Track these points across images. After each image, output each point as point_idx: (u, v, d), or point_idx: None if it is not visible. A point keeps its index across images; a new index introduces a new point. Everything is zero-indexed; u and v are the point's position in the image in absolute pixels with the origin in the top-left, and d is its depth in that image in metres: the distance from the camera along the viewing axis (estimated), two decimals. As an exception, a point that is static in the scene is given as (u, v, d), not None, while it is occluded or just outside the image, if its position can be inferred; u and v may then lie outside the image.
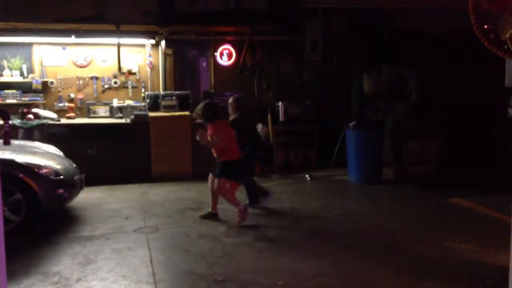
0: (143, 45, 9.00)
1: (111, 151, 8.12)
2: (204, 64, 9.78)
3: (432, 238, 5.35)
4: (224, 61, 9.39)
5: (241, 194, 6.60)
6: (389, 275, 4.44)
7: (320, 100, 9.39)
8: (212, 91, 9.52)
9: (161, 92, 8.93)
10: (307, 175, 8.58)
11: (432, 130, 8.00)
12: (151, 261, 4.73)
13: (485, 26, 2.71)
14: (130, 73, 9.07)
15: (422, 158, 8.07)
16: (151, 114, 8.44)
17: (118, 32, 8.64)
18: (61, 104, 8.78)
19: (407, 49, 8.56)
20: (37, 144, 6.86)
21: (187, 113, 8.56)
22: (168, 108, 8.61)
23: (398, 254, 4.95)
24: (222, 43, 9.35)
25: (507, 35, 2.61)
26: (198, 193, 7.51)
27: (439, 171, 8.12)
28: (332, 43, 9.56)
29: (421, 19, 8.18)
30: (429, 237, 5.39)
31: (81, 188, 6.30)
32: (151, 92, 8.89)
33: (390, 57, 8.87)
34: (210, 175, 6.24)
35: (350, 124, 8.28)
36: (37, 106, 8.53)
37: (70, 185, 5.94)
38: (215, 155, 6.15)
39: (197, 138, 5.97)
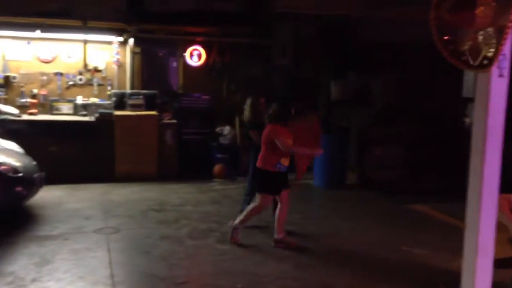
0: (110, 43, 8.85)
1: (73, 150, 7.94)
2: (174, 64, 9.70)
3: (391, 243, 5.45)
4: (193, 62, 9.33)
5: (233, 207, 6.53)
6: (347, 279, 4.50)
7: (288, 105, 9.42)
8: (181, 91, 9.44)
9: (128, 90, 8.80)
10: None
11: (395, 137, 8.16)
12: (110, 263, 4.65)
13: (445, 38, 2.77)
14: (96, 70, 8.90)
15: (385, 164, 8.21)
16: (117, 112, 8.31)
17: (84, 28, 8.48)
18: (23, 100, 8.53)
19: (373, 58, 8.70)
20: (-4, 140, 6.65)
21: (154, 112, 8.47)
22: (135, 107, 8.49)
23: (358, 258, 5.03)
24: (192, 43, 9.29)
25: (466, 47, 2.68)
26: (162, 194, 7.44)
27: (401, 177, 8.26)
28: (301, 49, 9.63)
29: (387, 30, 8.33)
30: (388, 242, 5.49)
31: (41, 186, 6.13)
32: (118, 91, 8.74)
33: (357, 65, 9.00)
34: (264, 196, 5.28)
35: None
36: (-3, 101, 8.28)
37: (29, 183, 5.78)
38: (286, 164, 5.24)
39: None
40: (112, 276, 4.34)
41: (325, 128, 8.31)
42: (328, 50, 9.50)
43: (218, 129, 9.18)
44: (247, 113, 5.97)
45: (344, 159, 8.34)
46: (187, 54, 9.27)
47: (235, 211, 6.63)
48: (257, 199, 5.30)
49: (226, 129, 9.19)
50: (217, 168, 8.76)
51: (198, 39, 9.29)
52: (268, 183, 5.21)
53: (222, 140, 9.08)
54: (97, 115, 8.24)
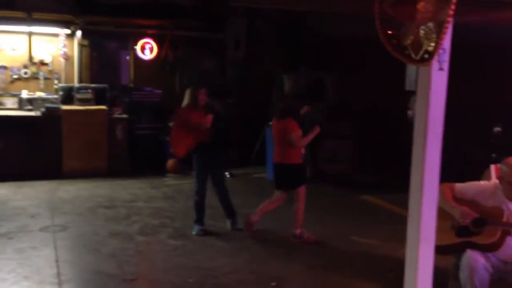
0: (57, 35, 8.54)
1: (19, 145, 7.62)
2: (124, 58, 9.48)
3: (342, 234, 5.56)
4: (145, 55, 9.16)
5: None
6: (300, 270, 4.57)
7: (242, 99, 9.44)
8: (132, 85, 9.25)
9: (76, 84, 8.53)
10: (227, 173, 8.58)
11: (347, 131, 8.33)
12: (56, 261, 4.51)
13: (389, 32, 2.82)
14: (42, 63, 8.58)
15: (336, 157, 8.37)
16: (64, 107, 8.04)
17: (29, 20, 8.14)
18: (-36, 94, 8.12)
19: (324, 53, 8.84)
20: None
21: (103, 107, 8.25)
22: (83, 101, 8.24)
23: (310, 249, 5.10)
24: (143, 36, 9.12)
25: (408, 41, 2.74)
26: (113, 190, 7.27)
27: (352, 170, 8.46)
28: (255, 43, 9.65)
29: (338, 25, 8.47)
30: (339, 233, 5.60)
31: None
32: (65, 84, 8.46)
33: (310, 59, 9.11)
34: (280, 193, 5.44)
35: (270, 123, 8.39)
36: None
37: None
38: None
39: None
40: (58, 274, 4.21)
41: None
42: (281, 44, 9.57)
43: (170, 124, 9.05)
44: (186, 101, 5.61)
45: (297, 153, 8.41)
46: (138, 47, 9.09)
47: (188, 206, 6.59)
48: (276, 195, 5.49)
49: (179, 124, 9.08)
50: (170, 163, 8.65)
51: (150, 32, 9.13)
52: (294, 177, 5.34)
53: (175, 135, 8.95)
54: (43, 109, 7.95)
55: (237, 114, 9.25)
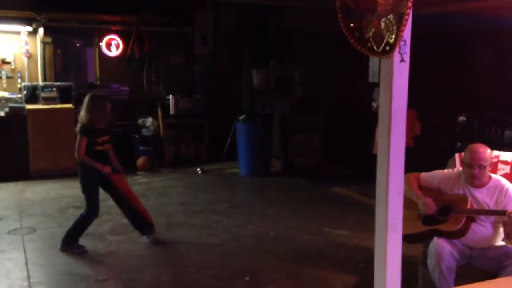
0: (18, 32, 8.31)
1: (-18, 147, 7.41)
2: (89, 55, 9.29)
3: (313, 226, 5.62)
4: (110, 52, 9.00)
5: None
6: (273, 264, 4.60)
7: (211, 94, 9.40)
8: (98, 83, 9.09)
9: (40, 83, 8.33)
10: (198, 169, 8.56)
11: (316, 124, 8.40)
12: (26, 264, 4.42)
13: (351, 25, 2.85)
14: (3, 62, 8.31)
15: (306, 151, 8.44)
16: (29, 106, 7.84)
17: (-11, 17, 7.90)
18: None
19: (293, 47, 8.88)
20: None
21: (69, 105, 8.08)
22: (48, 100, 8.05)
23: (282, 242, 5.14)
24: (108, 32, 8.95)
25: (370, 34, 2.77)
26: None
27: (322, 163, 8.55)
28: (222, 38, 9.60)
29: (305, 18, 8.52)
30: (311, 225, 5.66)
31: None
32: (29, 83, 8.24)
33: (278, 53, 9.13)
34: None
35: (240, 118, 8.41)
36: None
37: None
38: None
39: None
40: (28, 277, 4.13)
41: (248, 116, 8.42)
42: (249, 39, 9.55)
43: (140, 121, 8.96)
44: (82, 113, 4.80)
45: (268, 147, 8.46)
46: (103, 44, 8.93)
47: (160, 203, 6.56)
48: None
49: (149, 121, 8.99)
50: (140, 160, 8.56)
51: (115, 28, 8.96)
52: None
53: (145, 132, 8.87)
54: (7, 109, 7.74)
55: (207, 110, 9.22)
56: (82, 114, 4.78)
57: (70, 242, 4.76)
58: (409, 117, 5.66)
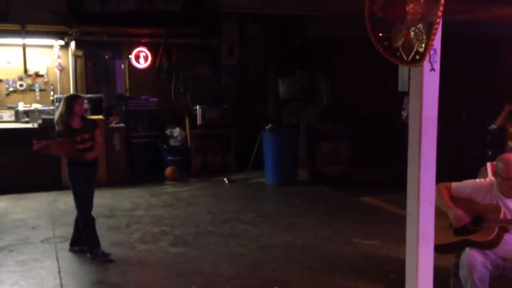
0: (51, 46, 8.57)
1: (17, 158, 7.61)
2: (119, 67, 9.50)
3: (342, 236, 5.58)
4: (139, 64, 9.19)
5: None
6: (301, 273, 4.58)
7: (238, 104, 9.49)
8: (127, 94, 9.27)
9: (72, 95, 8.54)
10: (225, 179, 8.62)
11: (343, 132, 8.37)
12: (59, 272, 4.52)
13: (380, 34, 2.86)
14: (37, 75, 8.60)
15: (334, 159, 8.41)
16: (61, 118, 8.04)
17: (23, 32, 8.16)
18: (-39, 109, 8.13)
19: (319, 55, 8.88)
20: None
21: (100, 117, 8.24)
22: (80, 112, 8.24)
23: (310, 252, 5.11)
24: (137, 45, 9.15)
25: (399, 43, 2.77)
26: (113, 199, 7.28)
27: (350, 171, 8.49)
28: (248, 48, 9.69)
29: (331, 26, 8.52)
30: (339, 235, 5.62)
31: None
32: (61, 95, 8.46)
33: (304, 62, 9.14)
34: None
35: (267, 127, 8.44)
36: None
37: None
38: None
39: None
40: (61, 285, 4.22)
41: (274, 126, 8.45)
42: (275, 48, 9.61)
43: (168, 131, 9.08)
44: (59, 110, 4.90)
45: (294, 156, 8.46)
46: (132, 56, 9.12)
47: (188, 213, 6.62)
48: None
49: (176, 131, 9.11)
50: (168, 170, 8.67)
51: (143, 40, 9.15)
52: None
53: (173, 142, 8.99)
54: (40, 121, 7.97)
55: (234, 120, 9.29)
56: (58, 112, 4.93)
57: (93, 248, 4.85)
58: None
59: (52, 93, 8.64)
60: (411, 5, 2.61)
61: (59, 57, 8.61)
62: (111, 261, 4.79)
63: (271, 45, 9.65)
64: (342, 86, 8.69)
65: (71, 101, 4.89)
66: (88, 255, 4.88)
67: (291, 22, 9.21)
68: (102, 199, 7.25)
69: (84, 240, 4.96)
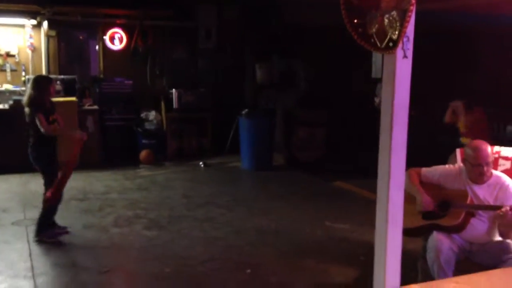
0: (23, 26, 8.34)
1: (-13, 139, 7.46)
2: (93, 48, 9.33)
3: (315, 220, 5.66)
4: (114, 46, 9.03)
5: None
6: (275, 257, 4.64)
7: (214, 88, 9.44)
8: (101, 76, 9.13)
9: (45, 76, 8.37)
10: (201, 163, 8.61)
11: (319, 119, 8.43)
12: (30, 255, 4.47)
13: (355, 21, 2.87)
14: (8, 55, 8.37)
15: (310, 145, 8.47)
16: (33, 99, 7.88)
17: (-6, 10, 7.94)
18: None
19: (297, 41, 8.87)
20: None
21: (73, 98, 8.12)
22: (52, 93, 8.08)
23: (284, 236, 5.18)
24: (112, 26, 8.98)
25: (374, 30, 2.79)
26: (86, 182, 7.20)
27: (325, 157, 8.58)
28: (225, 32, 9.62)
29: (309, 13, 8.50)
30: (313, 219, 5.70)
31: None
32: (33, 76, 8.28)
33: (281, 48, 9.14)
34: None
35: (243, 112, 8.44)
36: None
37: None
38: None
39: None
40: (32, 268, 4.18)
41: (251, 111, 8.46)
42: (253, 33, 9.56)
43: (143, 115, 8.99)
44: (30, 92, 4.87)
45: (271, 141, 8.49)
46: (107, 38, 8.95)
47: (163, 196, 6.61)
48: None
49: (152, 114, 9.03)
50: (143, 153, 8.61)
51: (119, 21, 8.99)
52: None
53: (148, 126, 8.91)
54: (11, 102, 7.79)
55: (210, 104, 9.25)
56: (30, 93, 4.85)
57: (41, 231, 4.82)
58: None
59: (23, 73, 8.44)
60: (385, -8, 2.63)
61: (31, 37, 8.39)
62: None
63: (248, 29, 9.60)
64: (319, 72, 8.72)
65: (46, 83, 4.92)
66: (39, 238, 4.80)
67: (269, 7, 9.17)
68: (74, 182, 7.11)
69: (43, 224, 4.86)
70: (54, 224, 4.99)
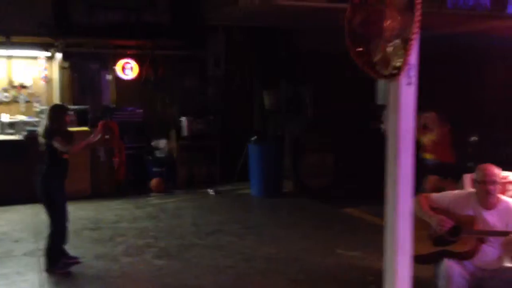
0: (37, 58, 8.55)
1: (1, 170, 7.56)
2: (105, 78, 9.49)
3: (325, 247, 5.61)
4: (126, 75, 9.19)
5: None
6: (285, 285, 4.60)
7: (224, 115, 9.52)
8: (114, 105, 9.27)
9: (57, 107, 8.51)
10: (210, 190, 8.62)
11: (328, 144, 8.44)
12: (42, 285, 4.49)
13: (359, 49, 2.93)
14: (22, 86, 8.55)
15: (319, 171, 8.46)
16: (46, 130, 8.00)
17: (8, 43, 8.13)
18: None
19: (304, 67, 8.96)
20: None
21: (86, 128, 8.23)
22: (65, 123, 8.21)
23: (294, 264, 5.14)
24: (123, 56, 9.16)
25: (378, 58, 2.84)
26: (97, 211, 7.24)
27: (334, 184, 8.55)
28: (234, 60, 9.75)
29: (316, 39, 8.62)
30: (323, 246, 5.65)
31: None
32: (46, 107, 8.41)
33: (289, 74, 9.23)
34: None
35: (252, 139, 8.49)
36: None
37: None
38: None
39: None
40: (43, 299, 4.19)
41: (260, 137, 8.51)
42: (261, 60, 9.69)
43: (153, 143, 9.08)
44: (45, 122, 4.92)
45: (280, 168, 8.50)
46: (118, 68, 9.13)
47: (173, 225, 6.61)
48: None
49: (162, 142, 9.11)
50: (154, 182, 8.65)
51: (130, 52, 9.17)
52: None
53: (158, 154, 8.99)
54: (25, 133, 7.92)
55: (220, 131, 9.33)
56: (46, 123, 4.88)
57: (52, 262, 4.81)
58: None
59: (37, 104, 8.59)
60: (388, 22, 2.69)
61: (45, 69, 8.59)
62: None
63: (257, 57, 9.74)
64: (327, 98, 8.77)
65: (61, 112, 4.98)
66: (50, 269, 4.79)
67: (277, 35, 9.31)
68: (86, 211, 7.22)
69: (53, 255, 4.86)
70: (65, 254, 5.00)
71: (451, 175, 5.55)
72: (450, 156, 5.96)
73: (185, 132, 9.11)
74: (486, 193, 3.33)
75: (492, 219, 3.33)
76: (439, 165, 5.88)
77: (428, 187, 5.62)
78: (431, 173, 5.87)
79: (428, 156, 5.99)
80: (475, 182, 3.46)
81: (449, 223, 3.37)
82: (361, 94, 8.03)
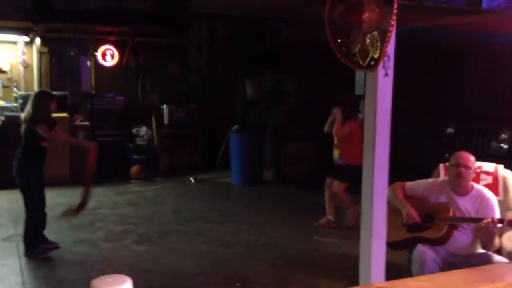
0: (15, 42, 8.42)
1: (-22, 155, 7.46)
2: (85, 64, 9.40)
3: (304, 234, 5.73)
4: (106, 62, 9.12)
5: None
6: (264, 270, 4.69)
7: (205, 104, 9.53)
8: (93, 92, 9.19)
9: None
10: (191, 178, 8.66)
11: (309, 134, 8.53)
12: (21, 270, 4.50)
13: (339, 40, 2.98)
14: (0, 71, 8.43)
15: (299, 160, 8.56)
16: (25, 115, 7.92)
17: (-14, 27, 8.02)
18: None
19: (287, 57, 9.02)
20: None
21: (64, 114, 8.15)
22: (44, 109, 8.13)
23: (273, 250, 5.24)
24: (104, 43, 9.08)
25: (356, 49, 2.90)
26: (76, 198, 7.14)
27: (315, 172, 8.65)
28: (217, 48, 9.75)
29: (299, 29, 8.67)
30: (302, 233, 5.77)
31: None
32: (25, 92, 8.33)
33: (271, 64, 9.27)
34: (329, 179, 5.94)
35: (234, 128, 8.53)
36: None
37: None
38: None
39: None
40: (23, 283, 4.21)
41: (241, 126, 8.55)
42: (243, 49, 9.69)
43: (134, 130, 9.05)
44: (29, 108, 4.87)
45: (261, 157, 8.57)
46: (99, 54, 9.05)
47: (153, 211, 6.64)
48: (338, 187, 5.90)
49: (143, 130, 9.10)
50: (134, 169, 8.65)
51: (110, 38, 9.09)
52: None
53: (139, 141, 8.97)
54: (2, 118, 7.82)
55: (201, 120, 9.34)
56: (29, 110, 4.84)
57: (30, 247, 4.82)
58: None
59: (15, 89, 8.48)
60: (367, 14, 2.75)
61: (23, 54, 8.47)
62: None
63: (240, 46, 9.74)
64: (309, 88, 8.85)
65: (46, 101, 4.92)
66: (29, 254, 4.80)
67: (260, 24, 9.32)
68: (65, 198, 7.15)
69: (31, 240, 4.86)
70: (44, 239, 5.00)
71: (349, 178, 5.66)
72: (354, 157, 5.49)
73: (166, 120, 9.11)
74: (458, 176, 3.43)
75: (465, 205, 3.45)
76: (343, 167, 5.86)
77: None
78: (335, 173, 5.93)
79: (335, 152, 6.01)
80: (448, 167, 3.57)
81: (414, 219, 3.48)
82: (343, 84, 8.13)
